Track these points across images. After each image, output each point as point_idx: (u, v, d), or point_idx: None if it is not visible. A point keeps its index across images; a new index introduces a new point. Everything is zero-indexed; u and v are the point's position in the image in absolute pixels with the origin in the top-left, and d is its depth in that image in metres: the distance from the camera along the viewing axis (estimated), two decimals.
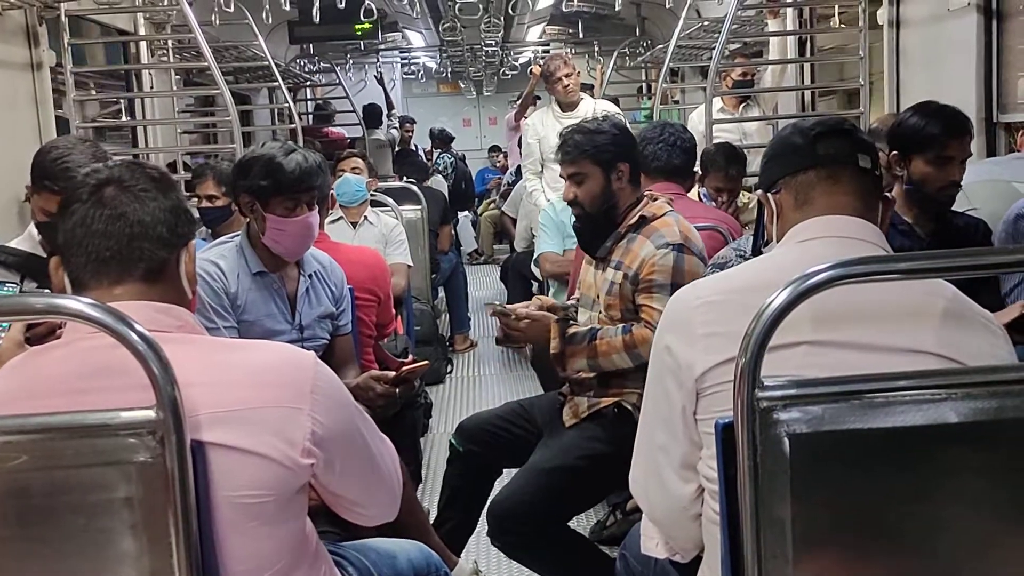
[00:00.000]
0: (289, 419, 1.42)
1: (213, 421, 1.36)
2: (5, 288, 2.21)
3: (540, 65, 6.28)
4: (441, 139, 11.54)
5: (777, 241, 1.73)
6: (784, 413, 1.30)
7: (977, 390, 1.33)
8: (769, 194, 1.76)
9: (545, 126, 5.55)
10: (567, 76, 5.43)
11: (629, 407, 2.71)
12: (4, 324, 1.90)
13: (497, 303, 2.93)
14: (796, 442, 1.30)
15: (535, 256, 4.85)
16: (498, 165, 12.71)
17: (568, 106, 5.49)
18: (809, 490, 1.32)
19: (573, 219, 2.95)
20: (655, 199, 2.90)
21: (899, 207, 2.73)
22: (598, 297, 2.86)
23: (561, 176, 2.94)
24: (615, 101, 8.09)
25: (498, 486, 3.04)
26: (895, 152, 2.74)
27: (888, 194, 1.76)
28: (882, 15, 4.39)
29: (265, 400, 1.41)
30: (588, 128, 2.85)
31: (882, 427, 1.31)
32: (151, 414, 1.29)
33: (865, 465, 1.34)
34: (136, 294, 1.45)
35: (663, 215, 2.82)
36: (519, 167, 9.98)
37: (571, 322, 2.89)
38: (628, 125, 4.57)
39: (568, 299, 3.30)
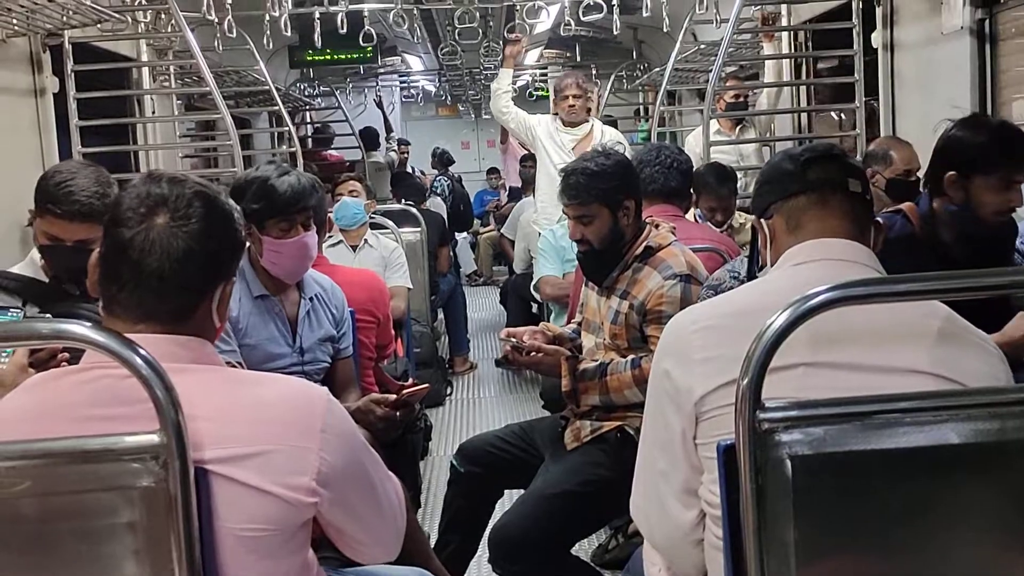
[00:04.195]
0: (296, 457, 1.40)
1: (220, 455, 1.35)
2: (9, 314, 2.21)
3: (555, 79, 6.25)
4: (442, 161, 11.59)
5: (771, 265, 1.75)
6: (786, 435, 1.31)
7: (978, 411, 1.34)
8: (762, 219, 1.79)
9: (541, 126, 5.57)
10: (574, 97, 5.43)
11: (632, 431, 2.71)
12: (7, 350, 1.90)
13: (513, 340, 2.89)
14: (798, 464, 1.31)
15: (534, 280, 4.87)
16: (497, 186, 12.73)
17: (570, 123, 5.50)
18: (812, 512, 1.33)
19: (577, 250, 2.95)
20: (657, 225, 2.92)
21: (940, 220, 2.53)
22: (603, 324, 2.87)
23: (565, 213, 2.94)
24: (614, 124, 8.13)
25: (499, 509, 3.04)
26: (952, 172, 2.47)
27: (880, 219, 1.77)
28: (877, 38, 4.43)
29: (273, 437, 1.39)
30: (593, 170, 2.82)
31: (884, 448, 1.32)
32: (154, 438, 1.29)
33: (867, 486, 1.34)
34: (159, 330, 1.43)
35: (668, 245, 2.84)
36: (512, 190, 10.05)
37: (580, 357, 2.89)
38: (629, 149, 4.61)
39: (568, 322, 3.31)
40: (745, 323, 1.37)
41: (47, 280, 2.56)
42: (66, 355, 1.94)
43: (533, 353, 2.84)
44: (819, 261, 1.64)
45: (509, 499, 3.05)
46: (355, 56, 8.21)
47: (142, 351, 1.27)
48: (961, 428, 1.33)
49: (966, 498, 1.36)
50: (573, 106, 5.43)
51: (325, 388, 1.54)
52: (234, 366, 2.14)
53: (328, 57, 8.11)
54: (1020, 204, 2.49)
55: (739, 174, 4.65)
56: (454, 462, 3.05)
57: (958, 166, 2.48)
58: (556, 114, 5.56)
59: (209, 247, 1.47)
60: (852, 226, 1.68)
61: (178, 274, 1.43)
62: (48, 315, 2.37)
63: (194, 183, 1.51)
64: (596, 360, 2.86)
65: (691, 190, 3.86)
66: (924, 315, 1.55)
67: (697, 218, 4.13)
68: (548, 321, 3.99)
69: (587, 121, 5.52)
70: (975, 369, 1.50)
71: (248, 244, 2.65)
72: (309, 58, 8.14)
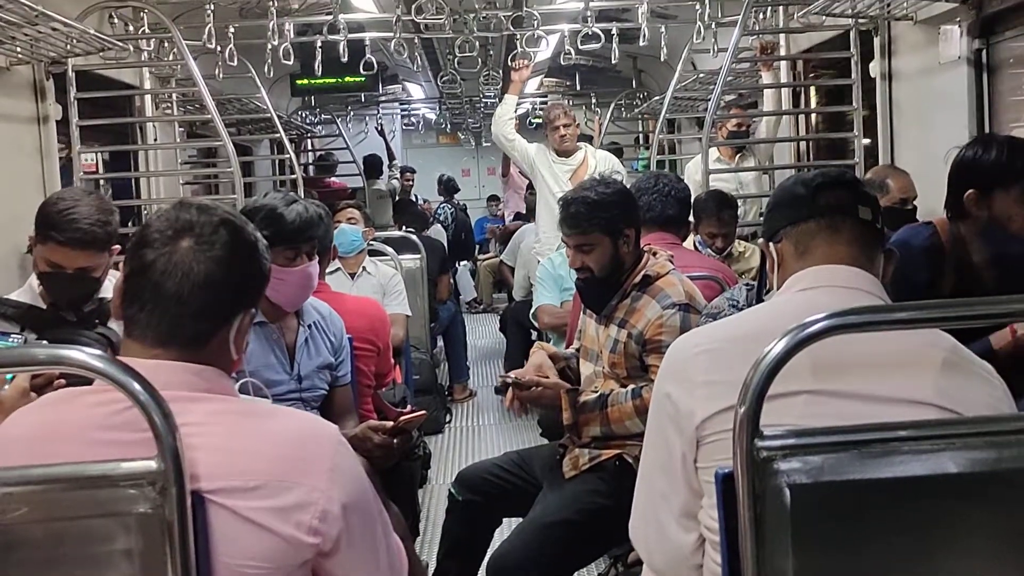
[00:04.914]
0: (301, 494, 1.38)
1: (223, 486, 1.34)
2: (10, 340, 2.21)
3: (542, 112, 6.29)
4: (447, 188, 11.63)
5: (778, 289, 1.75)
6: (784, 463, 1.31)
7: (976, 440, 1.34)
8: (771, 243, 1.79)
9: (539, 156, 5.61)
10: (564, 127, 5.50)
11: (630, 460, 2.71)
12: (8, 376, 1.90)
13: (510, 377, 2.90)
14: (797, 492, 1.30)
15: (532, 309, 4.87)
16: (498, 214, 12.76)
17: (563, 153, 5.55)
18: (810, 541, 1.32)
19: (576, 278, 2.95)
20: (655, 253, 2.93)
21: (969, 244, 2.54)
22: (601, 352, 2.87)
23: (565, 242, 2.95)
24: (619, 152, 8.16)
25: (498, 537, 3.03)
26: (972, 191, 2.50)
27: (892, 248, 1.77)
28: (875, 68, 4.45)
29: (278, 472, 1.38)
30: (593, 199, 2.83)
31: (882, 477, 1.32)
32: (152, 464, 1.28)
33: (866, 515, 1.33)
34: (176, 356, 1.43)
35: (666, 273, 2.85)
36: (517, 213, 10.08)
37: (579, 388, 2.89)
38: (626, 177, 4.62)
39: (566, 348, 3.31)
40: (747, 348, 1.37)
41: (45, 307, 2.57)
42: (62, 381, 1.94)
43: (533, 388, 2.84)
44: (824, 288, 1.64)
45: (508, 527, 3.04)
46: (356, 84, 8.25)
47: (139, 377, 1.27)
48: (959, 457, 1.33)
49: (964, 527, 1.35)
50: (564, 135, 5.50)
51: (336, 427, 1.52)
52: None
53: (329, 84, 8.15)
54: None
55: (738, 202, 4.66)
56: (452, 490, 3.05)
57: (976, 184, 2.50)
58: (551, 146, 5.60)
59: (231, 274, 1.47)
60: (860, 253, 1.68)
61: (197, 298, 1.44)
62: (45, 341, 2.37)
63: (223, 212, 1.52)
64: (594, 389, 2.85)
65: (689, 218, 3.87)
66: (929, 345, 1.55)
67: (697, 245, 4.14)
68: None
69: (579, 149, 5.59)
70: (979, 400, 1.50)
71: None
72: (310, 86, 8.19)
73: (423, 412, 2.74)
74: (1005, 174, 2.47)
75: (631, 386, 2.77)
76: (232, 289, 1.48)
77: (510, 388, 2.85)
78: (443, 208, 11.17)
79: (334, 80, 7.81)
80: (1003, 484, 1.34)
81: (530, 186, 8.80)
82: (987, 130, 3.71)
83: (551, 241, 5.36)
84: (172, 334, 1.44)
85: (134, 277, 1.45)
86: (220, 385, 1.47)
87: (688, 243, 3.99)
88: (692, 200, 3.94)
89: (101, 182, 4.91)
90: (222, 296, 1.47)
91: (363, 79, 7.14)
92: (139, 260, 1.45)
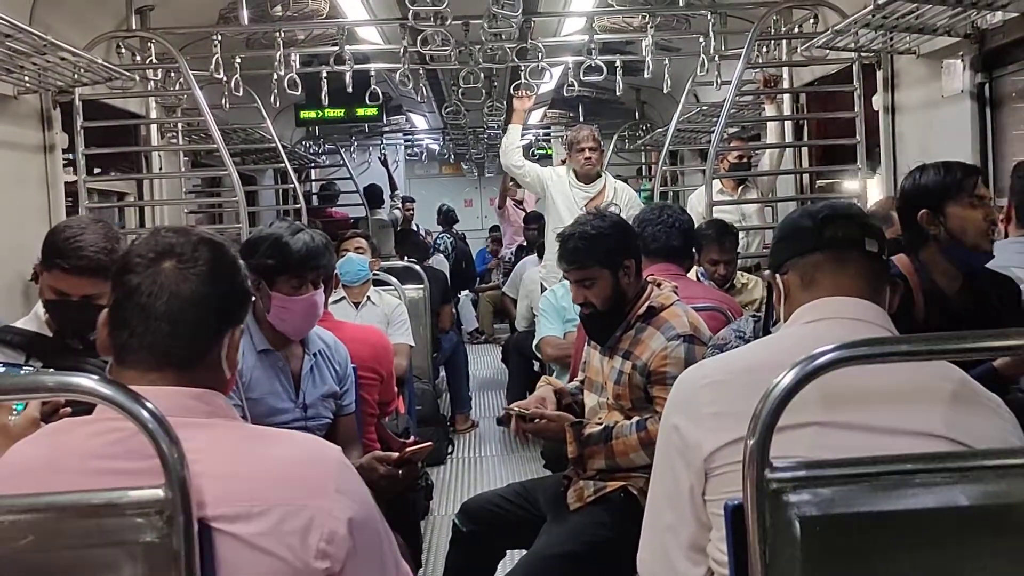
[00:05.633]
0: (307, 517, 1.37)
1: (228, 512, 1.33)
2: (23, 372, 2.21)
3: (566, 138, 6.30)
4: (447, 219, 11.66)
5: (784, 321, 1.75)
6: (794, 495, 1.30)
7: (987, 473, 1.33)
8: (777, 275, 1.79)
9: (553, 181, 5.55)
10: (591, 150, 5.43)
11: (635, 492, 2.70)
12: (19, 405, 1.90)
13: (515, 409, 2.89)
14: (807, 525, 1.29)
15: (536, 341, 4.86)
16: (493, 249, 12.69)
17: (584, 177, 5.48)
18: (821, 574, 1.31)
19: (580, 311, 2.95)
20: (659, 284, 2.93)
21: (936, 270, 2.60)
22: (605, 384, 2.87)
23: (566, 278, 2.95)
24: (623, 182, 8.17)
25: (501, 569, 3.01)
26: (925, 211, 2.58)
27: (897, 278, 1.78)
28: (878, 101, 4.48)
29: (284, 496, 1.37)
30: (590, 233, 2.83)
31: (894, 510, 1.31)
32: (159, 493, 1.28)
33: (877, 548, 1.32)
34: (172, 381, 1.43)
35: (671, 304, 2.85)
36: (519, 246, 10.10)
37: (584, 421, 2.88)
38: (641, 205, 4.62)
39: (570, 381, 3.30)
40: (755, 379, 1.37)
41: (51, 335, 2.57)
42: (68, 409, 1.94)
43: (537, 420, 2.83)
44: (831, 319, 1.64)
45: (511, 559, 3.02)
46: (361, 115, 8.30)
47: (148, 404, 1.27)
48: (970, 490, 1.32)
49: (975, 560, 1.34)
50: (590, 158, 5.42)
51: (339, 448, 1.52)
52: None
53: (334, 115, 8.20)
54: (995, 217, 2.61)
55: (741, 234, 4.67)
56: (456, 521, 3.03)
57: (926, 204, 2.59)
58: (572, 168, 5.53)
59: (217, 290, 1.48)
60: (867, 285, 1.68)
61: (187, 316, 1.44)
62: (52, 370, 2.37)
63: (201, 232, 1.54)
64: (599, 420, 2.85)
65: (693, 250, 3.88)
66: (938, 377, 1.55)
67: (699, 275, 4.14)
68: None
69: (600, 176, 5.53)
70: (988, 433, 1.50)
71: (254, 298, 2.65)
72: (315, 116, 8.23)
73: (430, 443, 2.74)
74: (948, 187, 2.57)
75: (636, 418, 2.76)
76: (219, 305, 1.49)
77: (514, 418, 2.84)
78: (442, 238, 11.19)
79: (340, 111, 7.87)
80: (1014, 516, 1.34)
81: (530, 221, 8.82)
82: (990, 163, 3.73)
83: (557, 269, 5.35)
84: (166, 355, 1.44)
85: (121, 303, 1.45)
86: (220, 408, 1.47)
87: (690, 274, 3.99)
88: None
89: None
90: (211, 312, 1.47)
91: (372, 110, 7.19)
92: (124, 286, 1.45)
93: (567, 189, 5.46)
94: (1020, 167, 3.08)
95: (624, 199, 5.38)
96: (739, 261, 4.44)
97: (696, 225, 4.02)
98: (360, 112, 8.10)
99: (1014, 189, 2.98)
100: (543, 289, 5.41)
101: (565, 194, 5.45)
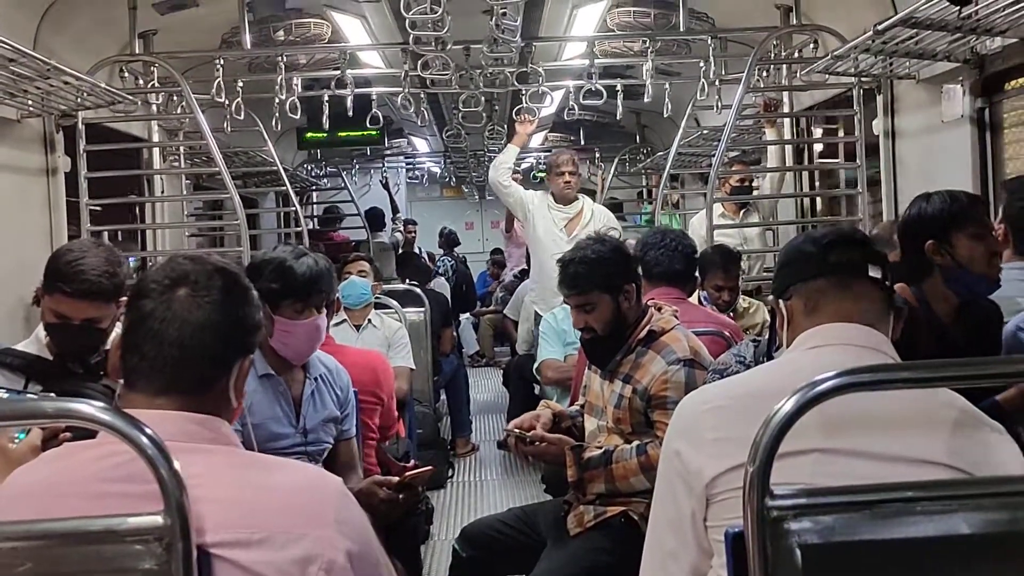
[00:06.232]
0: (305, 545, 1.36)
1: (226, 538, 1.33)
2: (22, 397, 2.21)
3: (546, 161, 6.35)
4: (448, 242, 11.67)
5: (787, 346, 1.75)
6: (795, 523, 1.29)
7: (987, 501, 1.33)
8: (780, 300, 1.79)
9: (535, 204, 5.62)
10: (570, 174, 5.51)
11: (636, 517, 2.68)
12: (21, 433, 1.90)
13: (516, 432, 2.88)
14: (808, 553, 1.28)
15: (536, 364, 4.86)
16: (495, 273, 12.69)
17: (562, 199, 5.55)
18: None
19: (581, 335, 2.95)
20: (660, 308, 2.93)
21: (935, 299, 2.59)
22: (606, 408, 2.86)
23: (567, 302, 2.95)
24: (619, 207, 8.21)
25: None
26: (931, 241, 2.56)
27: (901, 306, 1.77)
28: (878, 126, 4.49)
29: (283, 524, 1.36)
30: (591, 258, 2.83)
31: (895, 538, 1.30)
32: (158, 520, 1.27)
33: None
34: (178, 405, 1.44)
35: (671, 329, 2.84)
36: (523, 270, 10.11)
37: (584, 445, 2.88)
38: (622, 232, 4.65)
39: (571, 404, 3.30)
40: (757, 405, 1.36)
41: (51, 358, 2.57)
42: (68, 435, 1.93)
43: (537, 442, 2.82)
44: (833, 346, 1.64)
45: None
46: (362, 138, 8.33)
47: (147, 430, 1.26)
48: (972, 518, 1.31)
49: None
50: (569, 182, 5.51)
51: (339, 478, 1.52)
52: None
53: (336, 138, 8.22)
54: (999, 248, 2.61)
55: (743, 257, 4.67)
56: (456, 546, 3.02)
57: (932, 235, 2.56)
58: (550, 192, 5.62)
59: (229, 319, 1.49)
60: (870, 311, 1.68)
61: (197, 343, 1.45)
62: (52, 394, 2.37)
63: (217, 261, 1.56)
64: (599, 444, 2.84)
65: (695, 274, 3.88)
66: (941, 404, 1.54)
67: (702, 300, 4.14)
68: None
69: (577, 199, 5.60)
70: (991, 461, 1.49)
71: None
72: (317, 139, 8.26)
73: (430, 468, 2.73)
74: (954, 216, 2.55)
75: (636, 442, 2.75)
76: (231, 333, 1.50)
77: (515, 439, 2.83)
78: (444, 261, 11.20)
79: (344, 135, 7.89)
80: (1016, 545, 1.33)
81: None
82: (990, 187, 3.74)
83: (543, 293, 5.38)
84: (175, 379, 1.45)
85: (134, 328, 1.47)
86: (223, 436, 1.48)
87: (692, 298, 3.99)
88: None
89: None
90: (221, 340, 1.48)
91: (374, 133, 7.21)
92: (138, 311, 1.47)
93: (546, 211, 5.54)
94: (1008, 186, 3.09)
95: (603, 222, 5.41)
96: (741, 285, 4.44)
97: (698, 248, 4.03)
98: (361, 135, 8.13)
99: (1007, 213, 2.96)
100: (537, 315, 5.43)
101: (544, 216, 5.54)
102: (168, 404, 1.44)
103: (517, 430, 2.87)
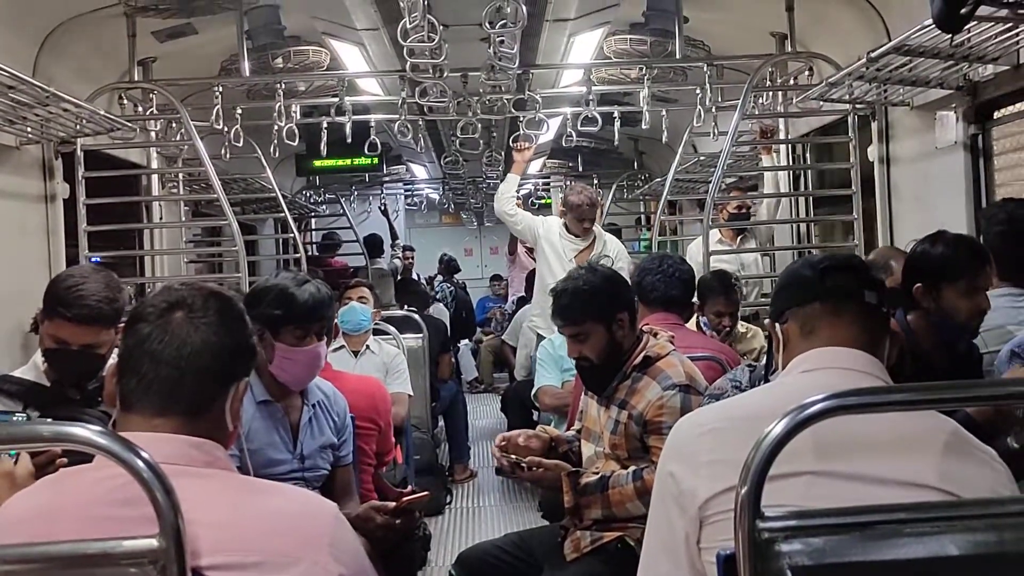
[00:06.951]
0: (301, 572, 1.37)
1: (221, 561, 1.33)
2: (14, 419, 2.21)
3: (564, 193, 6.39)
4: (448, 268, 11.69)
5: (783, 370, 1.76)
6: (786, 545, 1.30)
7: (977, 523, 1.33)
8: (777, 324, 1.80)
9: (544, 230, 5.62)
10: (590, 221, 5.53)
11: (632, 543, 2.68)
12: (11, 452, 1.90)
13: (513, 457, 2.89)
14: (799, 574, 1.29)
15: (534, 390, 4.86)
16: (500, 293, 12.79)
17: (576, 231, 5.55)
18: None
19: (576, 363, 2.96)
20: (655, 334, 2.94)
21: (920, 332, 2.63)
22: (602, 434, 2.87)
23: (562, 332, 2.96)
24: (618, 233, 8.22)
25: None
26: (919, 284, 2.65)
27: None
28: (872, 152, 4.52)
29: (277, 548, 1.38)
30: (583, 288, 2.85)
31: (885, 559, 1.30)
32: (153, 543, 1.27)
33: None
34: (175, 427, 1.45)
35: (667, 354, 2.85)
36: (520, 297, 10.13)
37: (581, 470, 2.88)
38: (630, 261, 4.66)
39: (567, 429, 3.30)
40: (750, 427, 1.37)
41: (49, 385, 2.57)
42: (64, 460, 1.94)
43: (534, 468, 2.82)
44: (827, 369, 1.65)
45: None
46: (361, 165, 8.36)
47: (143, 454, 1.27)
48: (961, 540, 1.32)
49: None
50: (588, 229, 5.51)
51: (335, 503, 1.53)
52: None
53: (334, 165, 8.25)
54: (988, 307, 2.63)
55: (742, 283, 4.68)
56: (453, 572, 3.01)
57: (924, 278, 2.64)
58: (565, 224, 5.60)
59: (225, 341, 1.52)
60: (865, 336, 1.70)
61: (194, 364, 1.48)
62: (50, 419, 2.37)
63: (209, 287, 1.60)
64: (596, 470, 2.84)
65: (693, 299, 3.89)
66: (932, 428, 1.55)
67: (702, 326, 4.14)
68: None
69: (591, 230, 5.59)
70: (981, 484, 1.50)
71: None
72: (316, 166, 8.29)
73: (427, 492, 2.73)
74: (951, 268, 2.61)
75: (632, 468, 2.75)
76: (226, 356, 1.52)
77: (512, 465, 2.83)
78: (442, 287, 11.21)
79: (343, 162, 7.92)
80: (1005, 567, 1.33)
81: None
82: None
83: (547, 315, 5.37)
84: (172, 400, 1.47)
85: (131, 351, 1.49)
86: (218, 460, 1.49)
87: (691, 324, 4.00)
88: (696, 281, 3.96)
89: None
90: (217, 362, 1.51)
91: (372, 159, 7.24)
92: (135, 335, 1.50)
93: (557, 240, 5.53)
94: (985, 213, 3.11)
95: (615, 253, 5.42)
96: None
97: (696, 274, 4.04)
98: (360, 162, 8.17)
99: (988, 240, 2.98)
100: (539, 337, 5.43)
101: (554, 244, 5.52)
102: (165, 426, 1.45)
103: (512, 455, 2.87)
